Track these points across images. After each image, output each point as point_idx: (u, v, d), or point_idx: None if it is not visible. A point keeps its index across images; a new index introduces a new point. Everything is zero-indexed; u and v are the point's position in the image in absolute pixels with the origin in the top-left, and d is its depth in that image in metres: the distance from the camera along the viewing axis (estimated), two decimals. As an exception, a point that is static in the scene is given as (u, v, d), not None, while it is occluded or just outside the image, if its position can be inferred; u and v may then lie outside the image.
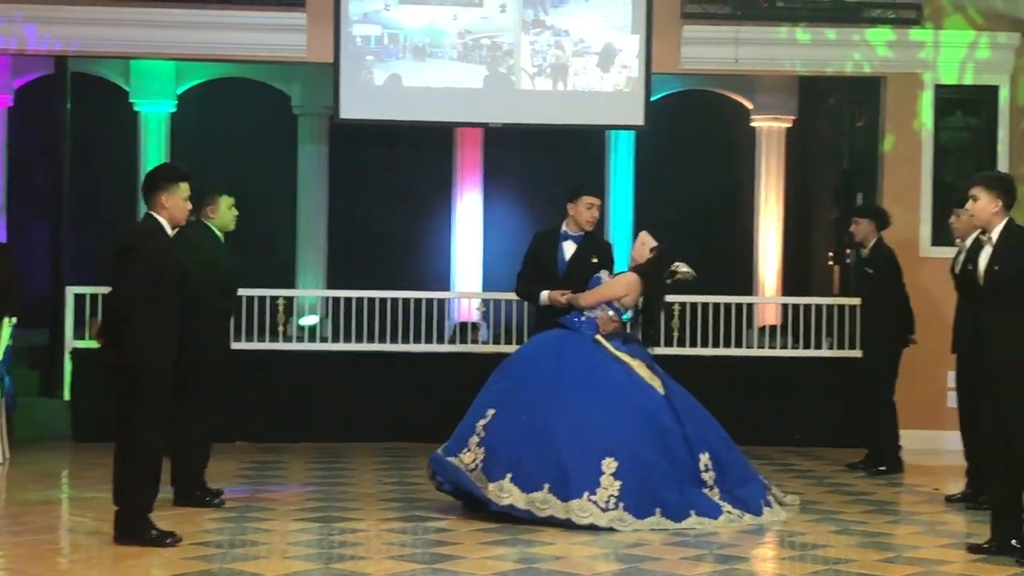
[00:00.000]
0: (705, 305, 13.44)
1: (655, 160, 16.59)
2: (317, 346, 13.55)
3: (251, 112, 16.47)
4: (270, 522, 8.97)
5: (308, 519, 9.11)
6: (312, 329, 14.08)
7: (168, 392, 8.06)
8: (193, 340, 8.80)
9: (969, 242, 10.04)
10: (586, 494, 8.76)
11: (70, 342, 12.94)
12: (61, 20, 12.87)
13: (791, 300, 14.47)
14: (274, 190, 16.27)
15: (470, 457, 9.13)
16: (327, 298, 14.47)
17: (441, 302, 14.26)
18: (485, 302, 14.15)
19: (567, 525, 8.70)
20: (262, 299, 13.16)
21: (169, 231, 8.13)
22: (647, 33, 13.35)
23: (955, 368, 10.31)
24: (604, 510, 8.73)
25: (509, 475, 8.89)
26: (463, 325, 14.94)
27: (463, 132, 16.31)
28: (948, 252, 13.07)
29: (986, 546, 8.25)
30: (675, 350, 13.25)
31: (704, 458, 9.16)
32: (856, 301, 12.84)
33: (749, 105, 16.54)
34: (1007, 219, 8.19)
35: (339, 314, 13.44)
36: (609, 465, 8.83)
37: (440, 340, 13.69)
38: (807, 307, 13.72)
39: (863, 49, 13.53)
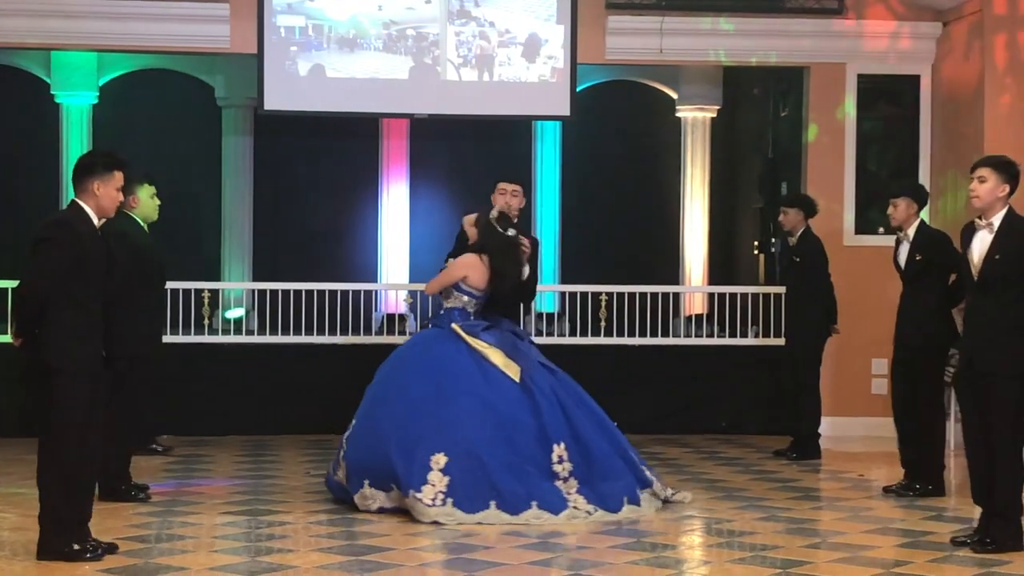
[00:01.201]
0: (632, 294, 13.47)
1: (581, 150, 16.60)
2: (243, 339, 13.46)
3: (174, 104, 16.28)
4: (196, 516, 8.92)
5: (235, 512, 9.07)
6: (238, 321, 13.99)
7: (88, 396, 7.45)
8: (122, 333, 8.71)
9: (912, 231, 9.98)
10: (411, 492, 8.73)
11: (-10, 337, 12.76)
12: (-21, 10, 12.69)
13: (717, 289, 14.57)
14: (198, 183, 16.11)
15: (342, 472, 9.31)
16: (253, 290, 14.40)
17: (368, 293, 14.22)
18: (412, 293, 14.10)
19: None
20: (187, 291, 13.04)
21: (96, 221, 7.56)
22: (572, 23, 13.37)
23: (896, 358, 9.99)
24: (430, 506, 8.68)
25: (367, 481, 9.01)
26: (390, 316, 14.88)
27: (389, 123, 16.23)
28: (871, 240, 13.26)
29: (968, 540, 8.02)
30: (602, 339, 13.31)
31: (559, 449, 9.02)
32: (781, 289, 12.93)
33: (674, 95, 16.58)
34: (1008, 207, 7.96)
35: (265, 306, 13.34)
36: (438, 461, 8.79)
37: (367, 332, 13.63)
38: (733, 296, 13.79)
39: (786, 39, 13.61)
